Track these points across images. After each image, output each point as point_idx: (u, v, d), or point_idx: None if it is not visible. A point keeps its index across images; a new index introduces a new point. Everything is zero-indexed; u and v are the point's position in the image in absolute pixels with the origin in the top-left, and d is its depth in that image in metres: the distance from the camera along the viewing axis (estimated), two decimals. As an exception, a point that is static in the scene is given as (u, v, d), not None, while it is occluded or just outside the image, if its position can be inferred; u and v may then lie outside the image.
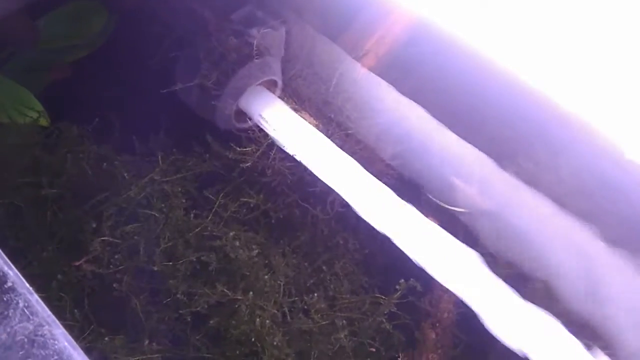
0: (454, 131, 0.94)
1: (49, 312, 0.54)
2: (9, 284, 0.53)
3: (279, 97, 1.03)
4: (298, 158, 0.95)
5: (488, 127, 1.04)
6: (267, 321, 0.78)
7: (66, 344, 0.51)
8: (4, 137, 0.94)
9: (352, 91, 0.95)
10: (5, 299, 0.52)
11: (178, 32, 1.10)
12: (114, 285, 0.78)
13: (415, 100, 0.98)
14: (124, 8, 1.14)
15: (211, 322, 0.79)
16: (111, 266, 0.79)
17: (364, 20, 1.12)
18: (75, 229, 0.80)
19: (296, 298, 0.86)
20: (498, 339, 0.83)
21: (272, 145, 0.87)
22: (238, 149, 0.86)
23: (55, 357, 0.49)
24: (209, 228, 0.84)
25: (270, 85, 1.04)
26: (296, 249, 0.91)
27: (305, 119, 0.90)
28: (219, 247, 0.83)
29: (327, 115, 0.90)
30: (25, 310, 0.53)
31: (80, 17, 1.11)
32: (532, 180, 0.96)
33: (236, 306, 0.80)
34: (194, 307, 0.78)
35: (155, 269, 0.79)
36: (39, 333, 0.51)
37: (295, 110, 0.90)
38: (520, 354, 0.82)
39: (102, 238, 0.79)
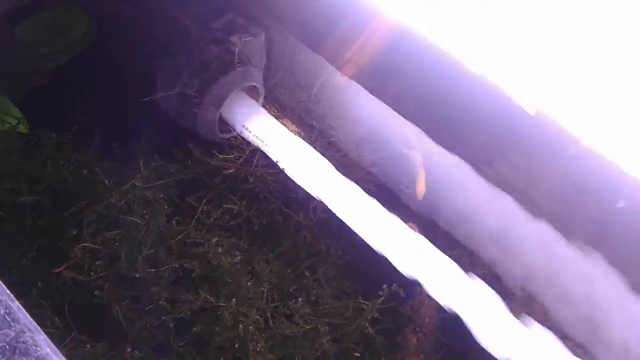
0: (433, 138, 0.96)
1: (31, 319, 0.53)
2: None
3: (261, 105, 1.03)
4: (280, 165, 0.95)
5: (466, 133, 1.05)
6: (250, 327, 0.78)
7: (49, 350, 0.50)
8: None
9: (333, 99, 0.96)
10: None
11: (159, 40, 1.10)
12: (95, 292, 0.78)
13: (394, 108, 1.00)
14: (105, 14, 1.14)
15: (194, 328, 0.79)
16: (92, 273, 0.78)
17: (344, 28, 1.13)
18: (55, 236, 0.79)
19: (279, 304, 0.86)
20: (481, 343, 0.83)
21: (254, 152, 0.87)
22: (220, 155, 0.86)
23: (38, 363, 0.49)
24: (191, 235, 0.83)
25: (252, 93, 1.04)
26: (279, 255, 0.91)
27: (287, 127, 0.90)
28: (201, 253, 0.82)
29: (309, 122, 0.91)
30: (7, 317, 0.52)
31: (60, 24, 1.10)
32: (508, 184, 0.98)
33: (219, 313, 0.79)
34: (177, 313, 0.77)
35: (137, 275, 0.78)
36: (21, 340, 0.51)
37: (277, 117, 0.91)
38: (502, 360, 0.82)
39: (83, 245, 0.78)
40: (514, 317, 0.85)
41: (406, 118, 1.01)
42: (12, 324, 0.51)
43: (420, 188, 0.99)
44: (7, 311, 0.53)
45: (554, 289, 0.92)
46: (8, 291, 0.53)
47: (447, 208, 1.00)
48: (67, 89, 1.09)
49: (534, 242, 0.93)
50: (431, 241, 0.91)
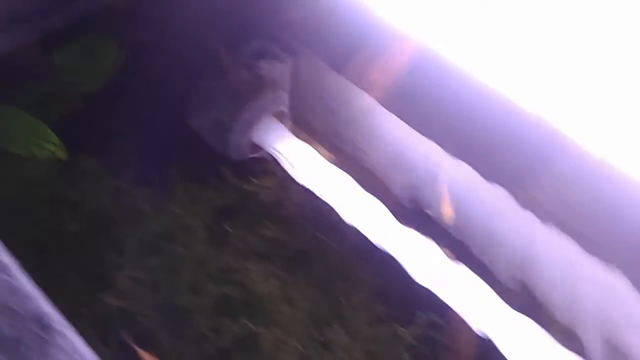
0: (464, 160, 0.96)
1: (87, 349, 0.54)
2: (49, 321, 0.54)
3: (290, 128, 1.04)
4: (313, 189, 0.96)
5: (495, 155, 1.05)
6: (290, 356, 0.79)
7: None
8: (23, 171, 0.95)
9: (362, 123, 0.96)
10: (45, 337, 0.53)
11: (190, 65, 1.11)
12: (138, 319, 0.78)
13: (421, 131, 1.00)
14: (135, 41, 1.16)
15: (236, 356, 0.79)
16: (134, 300, 0.79)
17: (369, 50, 1.14)
18: (98, 263, 0.81)
19: (315, 331, 0.86)
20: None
21: (288, 177, 0.88)
22: (255, 181, 0.87)
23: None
24: (228, 261, 0.84)
25: (281, 117, 1.06)
26: (313, 280, 0.92)
27: (319, 152, 0.91)
28: (239, 280, 0.83)
29: (340, 147, 0.92)
30: (65, 347, 0.53)
31: (92, 52, 1.12)
32: (541, 209, 0.98)
33: (259, 340, 0.80)
34: (219, 342, 0.78)
35: (179, 303, 0.79)
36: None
37: (309, 142, 0.92)
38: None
39: (125, 272, 0.79)
40: (550, 340, 0.85)
41: (434, 140, 1.02)
42: (74, 355, 0.52)
43: (448, 212, 0.99)
44: (65, 342, 0.53)
45: (583, 313, 0.91)
46: (66, 322, 0.54)
47: (478, 232, 1.00)
48: (99, 115, 1.11)
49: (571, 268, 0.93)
50: (466, 265, 0.91)
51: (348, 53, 1.11)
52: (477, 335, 0.87)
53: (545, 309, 0.91)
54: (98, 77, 1.10)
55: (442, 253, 0.90)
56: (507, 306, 0.87)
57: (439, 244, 0.91)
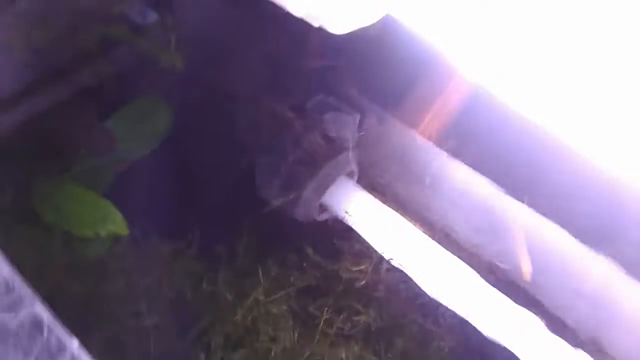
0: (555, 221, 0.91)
1: None
2: None
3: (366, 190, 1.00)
4: (385, 254, 0.91)
5: (570, 204, 1.01)
6: None
7: None
8: (88, 253, 0.90)
9: (451, 189, 0.92)
10: None
11: (245, 126, 1.07)
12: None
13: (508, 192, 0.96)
14: (186, 101, 1.12)
15: None
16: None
17: (424, 91, 1.10)
18: (183, 361, 0.75)
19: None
20: None
21: (367, 249, 0.83)
22: (342, 264, 0.82)
23: None
24: (317, 350, 0.79)
25: (351, 176, 1.02)
26: (399, 356, 0.87)
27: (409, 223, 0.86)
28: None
29: (431, 220, 0.87)
30: None
31: (146, 115, 1.08)
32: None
33: None
34: None
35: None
36: None
37: (400, 215, 0.87)
38: None
39: (213, 371, 0.74)
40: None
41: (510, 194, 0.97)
42: None
43: (527, 269, 0.95)
44: None
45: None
46: None
47: (556, 288, 0.95)
48: (152, 180, 1.06)
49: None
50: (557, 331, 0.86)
51: (406, 95, 1.07)
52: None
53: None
54: (151, 140, 1.05)
55: (539, 323, 0.85)
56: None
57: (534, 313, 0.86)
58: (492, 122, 0.97)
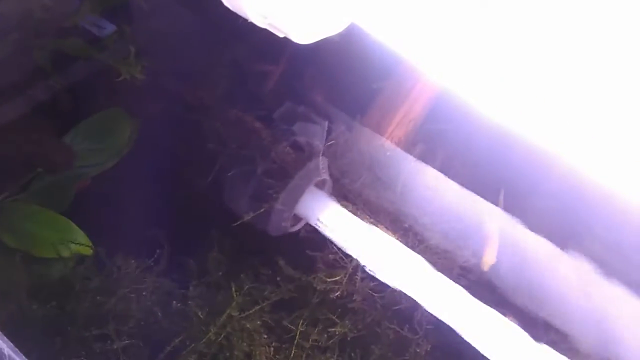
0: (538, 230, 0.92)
1: None
2: None
3: (330, 193, 0.99)
4: (361, 261, 0.90)
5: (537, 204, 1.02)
6: None
7: None
8: (50, 272, 0.86)
9: (422, 195, 0.91)
10: None
11: (210, 138, 1.05)
12: None
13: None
14: (145, 113, 1.09)
15: None
16: None
17: (389, 96, 1.10)
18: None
19: None
20: None
21: (353, 266, 0.82)
22: (317, 275, 0.81)
23: None
24: (295, 363, 0.77)
25: (322, 185, 1.01)
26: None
27: (382, 231, 0.86)
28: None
29: (403, 226, 0.86)
30: None
31: (106, 129, 1.05)
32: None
33: None
34: None
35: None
36: None
37: (373, 224, 0.86)
38: None
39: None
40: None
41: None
42: None
43: (489, 258, 0.95)
44: None
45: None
46: None
47: (535, 289, 0.96)
48: (114, 195, 1.03)
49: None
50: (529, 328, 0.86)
51: (371, 100, 1.07)
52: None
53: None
54: (113, 155, 1.03)
55: (520, 331, 0.85)
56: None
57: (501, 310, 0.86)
58: (459, 125, 0.98)
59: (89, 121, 1.04)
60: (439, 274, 0.85)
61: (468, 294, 0.85)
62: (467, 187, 0.97)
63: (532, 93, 0.69)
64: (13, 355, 0.57)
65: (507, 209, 0.97)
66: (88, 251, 0.89)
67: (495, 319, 0.87)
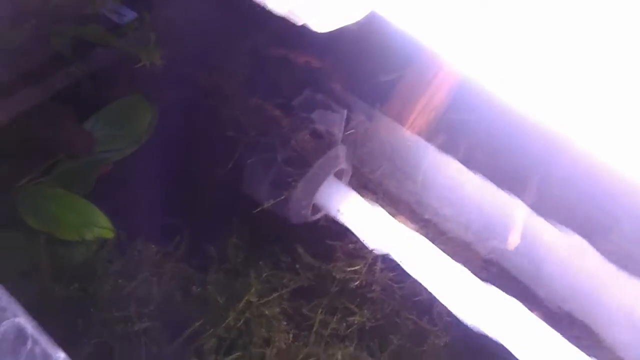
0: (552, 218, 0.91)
1: None
2: None
3: (348, 182, 0.99)
4: (379, 249, 0.90)
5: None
6: None
7: None
8: (73, 255, 0.87)
9: (443, 184, 0.91)
10: None
11: (231, 124, 1.05)
12: None
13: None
14: (164, 100, 1.10)
15: None
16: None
17: (410, 84, 1.09)
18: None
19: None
20: None
21: (372, 256, 0.82)
22: (342, 266, 0.81)
23: None
24: (312, 352, 0.78)
25: (341, 175, 1.00)
26: (393, 354, 0.86)
27: (402, 222, 0.85)
28: (326, 370, 0.77)
29: (423, 217, 0.86)
30: None
31: (127, 116, 1.05)
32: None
33: None
34: None
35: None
36: None
37: (393, 215, 0.85)
38: None
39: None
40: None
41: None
42: None
43: (514, 239, 0.94)
44: None
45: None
46: None
47: (558, 282, 0.95)
48: (137, 181, 1.03)
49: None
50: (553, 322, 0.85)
51: (392, 89, 1.06)
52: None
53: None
54: (133, 141, 1.03)
55: (537, 319, 0.84)
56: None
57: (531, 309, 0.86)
58: (481, 115, 0.97)
59: (110, 108, 1.04)
60: (459, 265, 0.84)
61: (489, 286, 0.85)
62: (490, 177, 0.96)
63: (559, 81, 0.68)
64: (36, 335, 0.58)
65: (531, 199, 0.96)
66: (110, 235, 0.90)
67: (518, 312, 0.87)
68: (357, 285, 0.83)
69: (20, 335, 0.52)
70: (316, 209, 0.97)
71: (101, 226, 0.89)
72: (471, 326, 0.85)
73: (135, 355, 0.74)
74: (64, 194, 0.93)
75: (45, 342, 0.51)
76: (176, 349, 0.76)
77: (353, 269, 0.83)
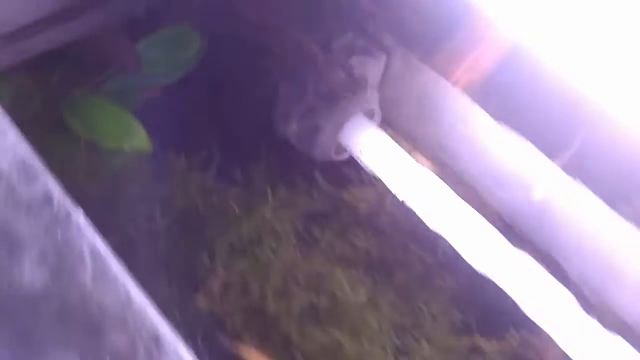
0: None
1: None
2: (163, 338, 0.53)
3: (382, 128, 1.02)
4: (397, 194, 0.93)
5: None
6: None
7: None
8: (111, 164, 0.95)
9: (465, 132, 0.93)
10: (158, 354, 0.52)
11: (274, 59, 1.09)
12: (227, 323, 0.78)
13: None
14: (214, 32, 1.14)
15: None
16: (224, 304, 0.79)
17: (459, 42, 1.09)
18: (189, 263, 0.80)
19: (398, 340, 0.85)
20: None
21: (384, 188, 0.86)
22: (349, 189, 0.85)
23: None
24: (317, 267, 0.83)
25: (371, 115, 1.03)
26: (398, 289, 0.90)
27: (419, 161, 0.88)
28: (327, 288, 0.82)
29: (442, 160, 0.88)
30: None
31: (177, 43, 1.11)
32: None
33: (344, 348, 0.79)
34: (304, 346, 0.77)
35: (267, 308, 0.79)
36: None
37: (410, 152, 0.89)
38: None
39: (215, 275, 0.79)
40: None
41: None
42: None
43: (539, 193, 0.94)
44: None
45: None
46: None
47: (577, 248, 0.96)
48: (179, 106, 1.10)
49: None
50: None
51: (438, 43, 1.08)
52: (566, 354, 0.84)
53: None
54: (180, 67, 1.09)
55: (540, 269, 0.86)
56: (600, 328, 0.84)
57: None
58: (522, 79, 0.97)
59: (161, 33, 1.11)
60: (472, 209, 0.87)
61: (499, 233, 0.87)
62: (524, 135, 0.97)
63: (600, 54, 0.69)
64: (61, 199, 0.64)
65: (563, 163, 0.97)
66: (146, 147, 0.97)
67: (526, 263, 0.89)
68: (366, 213, 0.87)
69: (47, 197, 0.59)
70: (341, 148, 1.01)
71: (139, 139, 0.96)
72: (478, 270, 0.88)
73: (154, 249, 0.82)
74: (110, 106, 1.00)
75: (68, 204, 0.58)
76: (191, 247, 0.83)
77: (364, 197, 0.87)
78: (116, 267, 0.56)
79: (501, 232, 0.87)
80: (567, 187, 0.96)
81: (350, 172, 0.91)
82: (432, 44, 1.08)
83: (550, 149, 0.97)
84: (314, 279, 0.83)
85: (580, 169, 0.98)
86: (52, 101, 1.00)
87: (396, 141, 0.97)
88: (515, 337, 0.86)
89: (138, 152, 0.97)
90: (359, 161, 1.00)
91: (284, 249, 0.82)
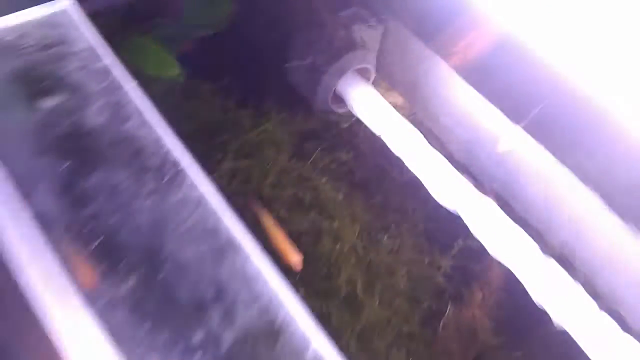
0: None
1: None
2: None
3: (372, 83, 1.22)
4: (381, 136, 1.14)
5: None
6: (345, 249, 0.99)
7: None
8: (151, 86, 1.19)
9: (436, 87, 1.11)
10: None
11: (293, 21, 1.28)
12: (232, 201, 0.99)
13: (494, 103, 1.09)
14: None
15: (302, 239, 1.00)
16: (230, 188, 1.01)
17: (455, 28, 1.26)
18: (205, 157, 1.02)
19: (367, 239, 1.05)
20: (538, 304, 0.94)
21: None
22: (339, 111, 1.07)
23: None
24: (306, 172, 1.05)
25: (365, 74, 1.24)
26: (371, 206, 1.10)
27: (395, 99, 1.09)
28: (312, 187, 1.04)
29: (414, 97, 1.08)
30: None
31: (211, 2, 1.35)
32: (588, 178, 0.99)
33: (323, 229, 1.00)
34: (292, 226, 0.99)
35: (263, 195, 1.01)
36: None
37: (388, 90, 1.09)
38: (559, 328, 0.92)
39: (225, 165, 1.01)
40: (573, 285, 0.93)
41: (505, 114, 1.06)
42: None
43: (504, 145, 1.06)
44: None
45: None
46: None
47: (524, 195, 1.08)
48: (211, 53, 1.31)
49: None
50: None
51: (435, 28, 1.19)
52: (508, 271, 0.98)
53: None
54: (215, 22, 1.32)
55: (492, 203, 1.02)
56: (541, 255, 0.95)
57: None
58: (510, 63, 1.05)
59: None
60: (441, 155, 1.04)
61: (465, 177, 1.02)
62: (492, 101, 1.09)
63: (587, 41, 0.79)
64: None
65: (525, 124, 1.05)
66: (180, 78, 1.21)
67: (491, 207, 1.03)
68: (351, 135, 1.08)
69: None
70: (339, 100, 1.20)
71: (174, 70, 1.20)
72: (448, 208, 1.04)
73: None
74: (154, 46, 1.25)
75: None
76: (209, 147, 1.06)
77: (352, 124, 1.08)
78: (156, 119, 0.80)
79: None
80: (526, 143, 1.08)
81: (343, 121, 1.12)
82: (433, 28, 1.16)
83: (516, 114, 1.12)
84: (302, 180, 1.06)
85: (538, 130, 1.15)
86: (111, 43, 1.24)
87: (389, 95, 1.15)
88: (465, 254, 1.03)
89: (173, 80, 1.21)
90: (351, 110, 1.21)
91: (280, 156, 1.05)
